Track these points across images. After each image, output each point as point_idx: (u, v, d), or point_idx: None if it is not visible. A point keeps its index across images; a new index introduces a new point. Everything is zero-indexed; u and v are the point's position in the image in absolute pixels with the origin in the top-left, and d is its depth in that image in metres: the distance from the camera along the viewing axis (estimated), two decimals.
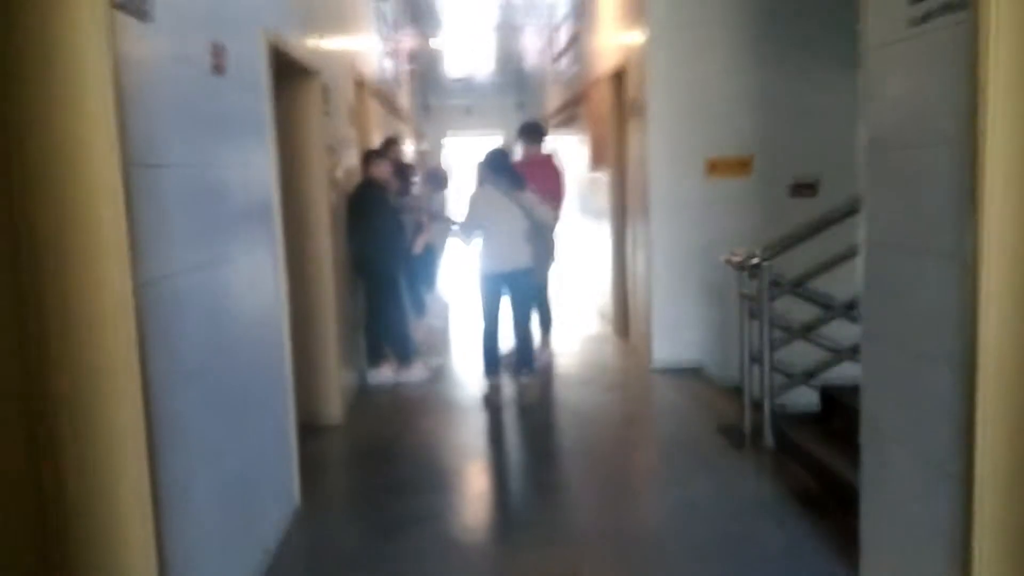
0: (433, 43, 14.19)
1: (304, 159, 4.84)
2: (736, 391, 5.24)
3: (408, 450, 4.73)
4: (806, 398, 4.69)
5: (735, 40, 6.05)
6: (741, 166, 6.14)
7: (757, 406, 4.52)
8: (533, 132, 6.69)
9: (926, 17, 2.38)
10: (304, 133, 4.82)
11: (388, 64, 9.80)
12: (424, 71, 15.82)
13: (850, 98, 6.08)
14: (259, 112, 3.57)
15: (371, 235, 5.82)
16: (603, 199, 8.11)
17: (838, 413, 4.38)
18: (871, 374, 2.85)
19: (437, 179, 8.08)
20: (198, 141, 2.78)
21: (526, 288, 5.60)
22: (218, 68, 2.98)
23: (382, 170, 6.06)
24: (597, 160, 8.56)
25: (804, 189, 6.13)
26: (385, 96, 9.02)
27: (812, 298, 4.50)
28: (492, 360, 5.62)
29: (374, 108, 7.88)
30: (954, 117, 2.29)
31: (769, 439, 4.43)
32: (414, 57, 13.45)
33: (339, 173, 5.50)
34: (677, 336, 6.23)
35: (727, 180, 6.13)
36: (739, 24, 6.04)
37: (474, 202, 5.54)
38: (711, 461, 4.34)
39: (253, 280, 3.33)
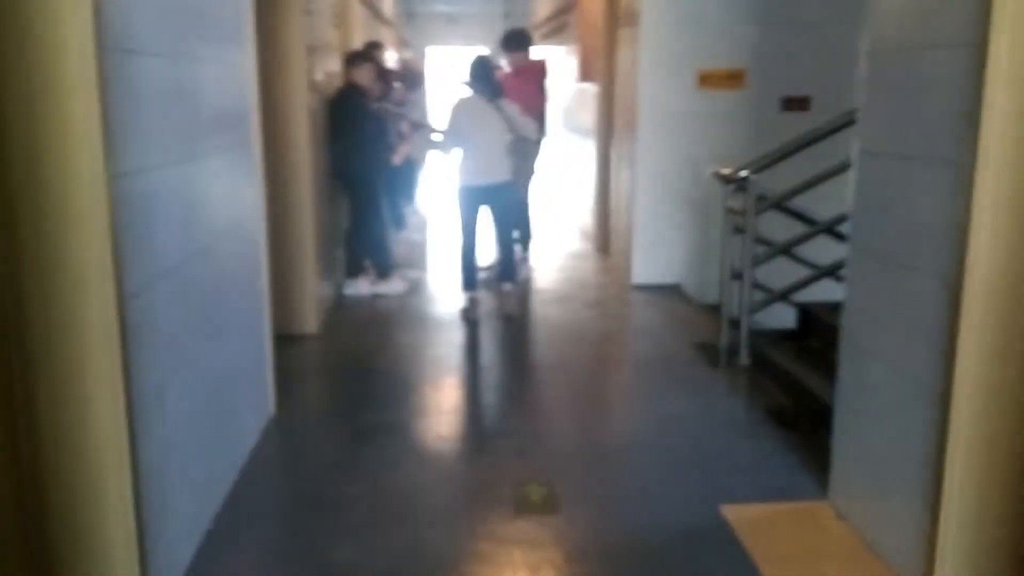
0: None
1: (284, 60, 4.68)
2: (714, 310, 5.26)
3: (384, 362, 4.72)
4: (784, 317, 4.70)
5: None
6: (733, 79, 6.01)
7: (734, 324, 4.53)
8: (516, 40, 6.51)
9: None
10: (284, 32, 4.65)
11: None
12: None
13: (848, 12, 6.01)
14: (239, 7, 3.40)
15: (352, 143, 5.69)
16: (590, 113, 7.96)
17: (815, 331, 4.41)
18: (855, 288, 2.83)
19: (412, 78, 7.84)
20: (174, 30, 2.65)
21: (507, 202, 5.52)
22: None
23: (364, 74, 5.89)
24: (585, 72, 8.37)
25: (796, 103, 6.03)
26: (370, 2, 8.72)
27: (797, 214, 4.46)
28: (470, 274, 5.58)
29: (358, 10, 7.62)
30: (964, 18, 2.21)
31: (745, 357, 4.45)
32: None
33: (320, 76, 5.33)
34: (658, 254, 6.21)
35: (718, 93, 6.02)
36: None
37: (456, 111, 5.41)
38: (686, 378, 4.37)
39: (229, 182, 3.24)
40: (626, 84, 6.44)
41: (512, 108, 5.43)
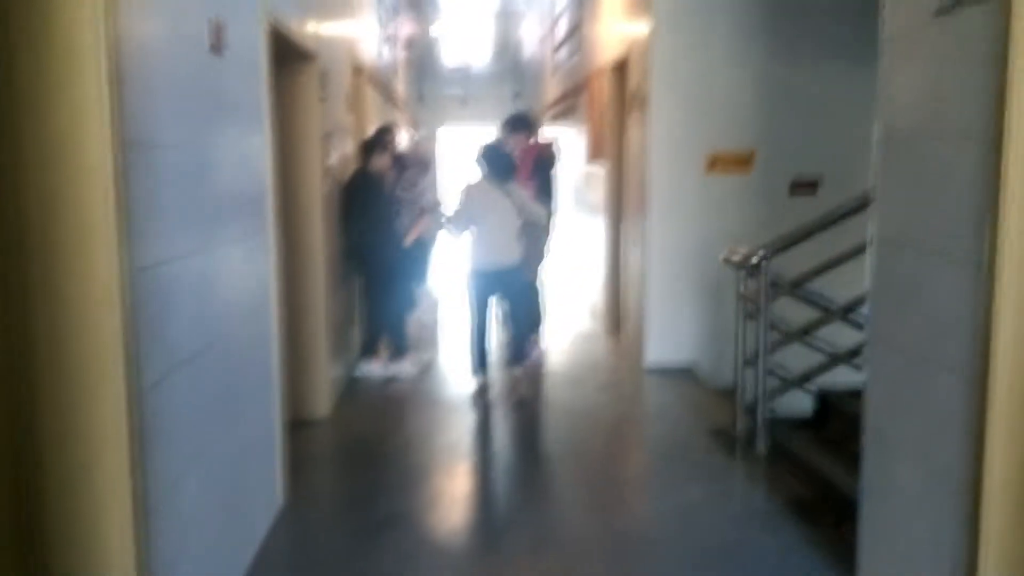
0: (431, 30, 14.07)
1: (300, 146, 4.75)
2: (728, 394, 5.20)
3: (395, 448, 4.66)
4: (800, 403, 4.64)
5: (741, 31, 5.97)
6: (742, 162, 6.07)
7: (750, 410, 4.47)
8: (518, 122, 6.61)
9: (955, 5, 2.30)
10: (301, 119, 4.73)
11: (385, 51, 9.69)
12: (421, 59, 15.71)
13: (858, 94, 6.11)
14: (256, 95, 3.47)
15: (367, 225, 5.75)
16: (599, 193, 8.04)
17: (834, 419, 4.34)
18: (875, 379, 2.79)
19: (423, 162, 7.86)
20: (194, 122, 2.69)
21: (517, 286, 5.54)
22: (216, 48, 2.89)
23: (380, 161, 6.01)
24: (595, 153, 8.48)
25: (804, 187, 6.08)
26: (382, 84, 8.92)
27: (811, 300, 4.44)
28: (481, 357, 5.56)
29: (371, 95, 7.78)
30: (978, 110, 2.22)
31: (762, 444, 4.37)
32: (411, 44, 13.33)
33: (334, 160, 5.41)
34: (670, 336, 6.17)
35: (727, 176, 6.07)
36: (745, 14, 5.96)
37: (466, 195, 5.47)
38: (703, 466, 4.29)
39: (245, 269, 3.25)
40: (636, 166, 6.52)
41: (522, 192, 5.49)
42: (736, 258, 4.47)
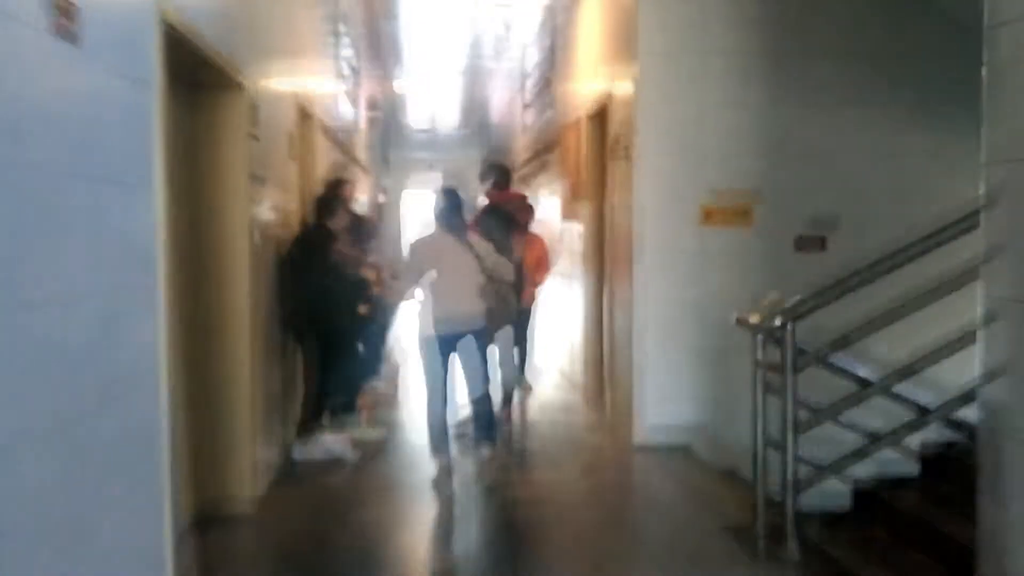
0: (396, 88, 13.49)
1: (220, 189, 3.94)
2: (735, 479, 4.40)
3: (334, 554, 3.73)
4: (831, 495, 3.81)
5: (736, 72, 5.33)
6: (741, 215, 5.36)
7: (773, 503, 3.63)
8: (493, 172, 5.95)
9: None
10: (221, 156, 3.93)
11: (346, 107, 9.01)
12: (386, 120, 15.08)
13: (865, 138, 5.47)
14: (140, 110, 2.67)
15: (320, 288, 4.92)
16: (575, 253, 7.29)
17: (880, 515, 3.52)
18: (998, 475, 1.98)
19: (359, 229, 6.66)
20: (17, 131, 1.88)
21: (480, 351, 4.71)
22: (63, 30, 2.10)
23: (340, 221, 5.23)
24: (569, 211, 7.77)
25: (811, 243, 5.36)
26: (340, 140, 8.18)
27: (844, 371, 3.65)
28: (440, 437, 4.68)
29: (324, 147, 7.02)
30: None
31: (793, 546, 3.51)
32: (375, 104, 12.69)
33: (268, 212, 4.60)
34: (664, 409, 5.34)
35: (724, 230, 5.34)
36: (741, 55, 5.33)
37: (417, 248, 4.68)
38: (721, 574, 3.42)
39: (109, 336, 2.39)
40: (620, 221, 5.78)
41: (484, 246, 4.71)
42: (753, 320, 3.68)
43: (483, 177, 5.95)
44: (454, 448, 4.86)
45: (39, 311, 1.97)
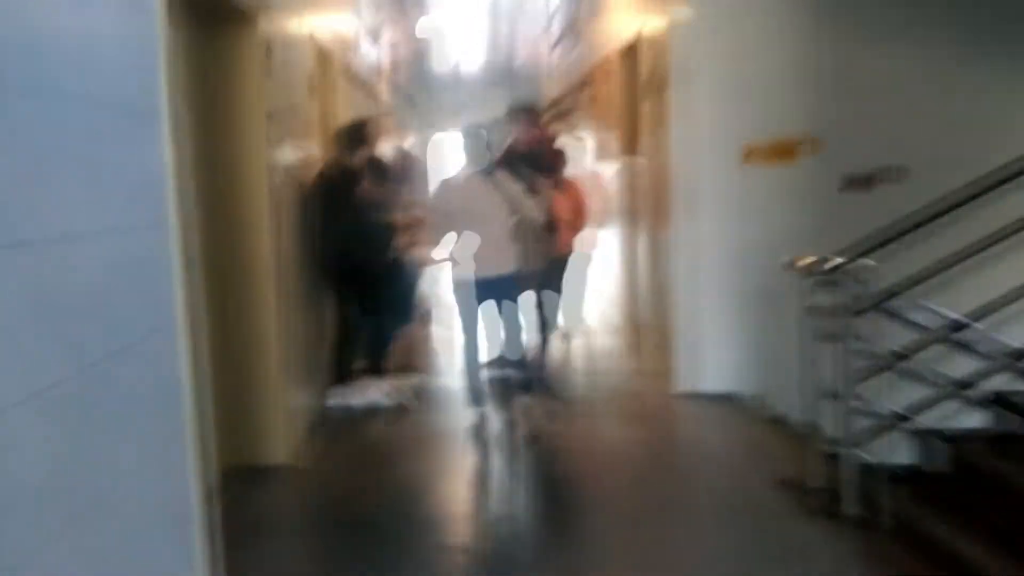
0: (421, 29, 13.11)
1: (235, 126, 3.72)
2: (783, 426, 4.21)
3: (374, 507, 3.58)
4: (892, 449, 3.57)
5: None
6: (784, 153, 5.04)
7: (830, 456, 3.41)
8: (520, 111, 5.66)
9: None
10: (235, 92, 3.70)
11: (368, 49, 8.69)
12: (410, 63, 14.72)
13: (923, 70, 5.09)
14: (142, 34, 2.43)
15: (348, 231, 4.71)
16: (610, 194, 7.00)
17: (951, 471, 3.29)
18: None
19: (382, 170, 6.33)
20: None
21: (515, 297, 4.52)
22: None
23: (360, 158, 4.97)
24: (603, 151, 7.47)
25: (860, 183, 5.03)
26: (362, 82, 7.90)
27: (907, 316, 3.39)
28: (477, 385, 4.53)
29: (345, 88, 6.75)
30: None
31: (852, 503, 3.29)
32: (399, 45, 12.33)
33: (288, 152, 4.37)
34: (706, 356, 5.10)
35: (767, 170, 5.03)
36: None
37: (443, 190, 4.46)
38: (777, 535, 3.23)
39: (119, 280, 2.19)
40: (656, 162, 5.49)
41: (514, 186, 4.47)
42: (805, 262, 3.42)
43: (509, 118, 5.66)
44: (492, 396, 4.67)
45: (35, 252, 1.78)
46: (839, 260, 3.24)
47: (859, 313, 3.28)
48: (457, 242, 4.42)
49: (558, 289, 6.46)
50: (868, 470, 3.27)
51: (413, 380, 5.51)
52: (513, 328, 4.51)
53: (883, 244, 3.32)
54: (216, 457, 3.42)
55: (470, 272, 4.39)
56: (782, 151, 5.05)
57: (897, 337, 3.44)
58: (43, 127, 1.86)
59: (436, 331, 7.22)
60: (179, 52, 3.32)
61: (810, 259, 3.40)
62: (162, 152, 2.53)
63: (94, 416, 2.03)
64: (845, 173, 5.01)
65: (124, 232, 2.25)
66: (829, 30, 4.95)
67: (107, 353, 2.11)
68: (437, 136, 18.29)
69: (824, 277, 3.34)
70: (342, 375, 4.97)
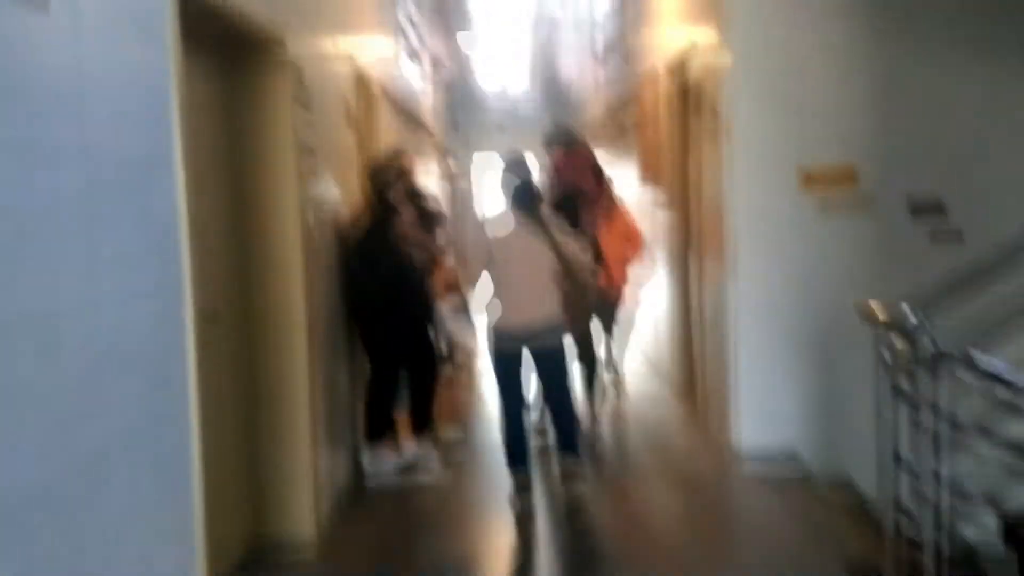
0: (464, 49, 12.93)
1: (265, 163, 3.50)
2: (846, 490, 3.90)
3: None
4: (975, 530, 3.20)
5: (839, 12, 4.61)
6: (845, 179, 4.68)
7: (906, 536, 3.06)
8: (558, 137, 5.38)
9: None
10: (265, 126, 3.48)
11: (410, 67, 8.51)
12: (454, 81, 14.55)
13: (998, 90, 4.72)
14: (154, 74, 2.21)
15: (390, 276, 4.47)
16: (656, 224, 6.68)
17: None
18: None
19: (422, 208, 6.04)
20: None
21: (555, 350, 4.18)
22: None
23: (397, 194, 4.69)
24: (649, 175, 7.15)
25: (929, 210, 4.66)
26: (403, 105, 7.70)
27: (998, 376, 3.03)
28: (519, 449, 4.19)
29: (385, 113, 6.55)
30: None
31: None
32: (441, 64, 12.15)
33: (324, 187, 4.15)
34: (765, 409, 4.68)
35: (826, 197, 4.68)
36: None
37: (486, 235, 4.17)
38: None
39: (118, 358, 1.96)
40: (707, 188, 5.17)
41: (561, 228, 4.16)
42: (880, 314, 3.09)
43: (548, 143, 5.37)
44: (533, 459, 4.35)
45: (10, 334, 1.55)
46: (921, 316, 2.89)
47: (941, 374, 2.93)
48: (496, 289, 4.12)
49: (609, 332, 6.15)
50: (958, 558, 2.91)
51: (455, 433, 5.22)
52: (555, 384, 4.20)
53: (967, 286, 2.98)
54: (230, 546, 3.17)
55: (508, 323, 4.08)
56: (842, 177, 4.70)
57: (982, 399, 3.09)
58: (26, 187, 1.64)
59: (479, 380, 6.90)
60: (200, 84, 3.12)
61: (886, 308, 3.06)
62: (174, 204, 2.31)
63: (87, 522, 1.79)
64: (912, 197, 4.66)
65: (123, 303, 2.01)
66: (892, 46, 4.62)
67: (97, 452, 1.87)
68: (480, 156, 18.08)
69: (905, 332, 3.01)
70: (378, 431, 4.65)
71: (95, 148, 1.88)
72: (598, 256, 4.63)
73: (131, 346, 2.02)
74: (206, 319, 2.80)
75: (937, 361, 2.91)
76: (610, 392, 6.22)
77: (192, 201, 2.50)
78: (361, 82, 5.46)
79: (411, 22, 8.80)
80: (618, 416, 5.84)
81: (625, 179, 7.88)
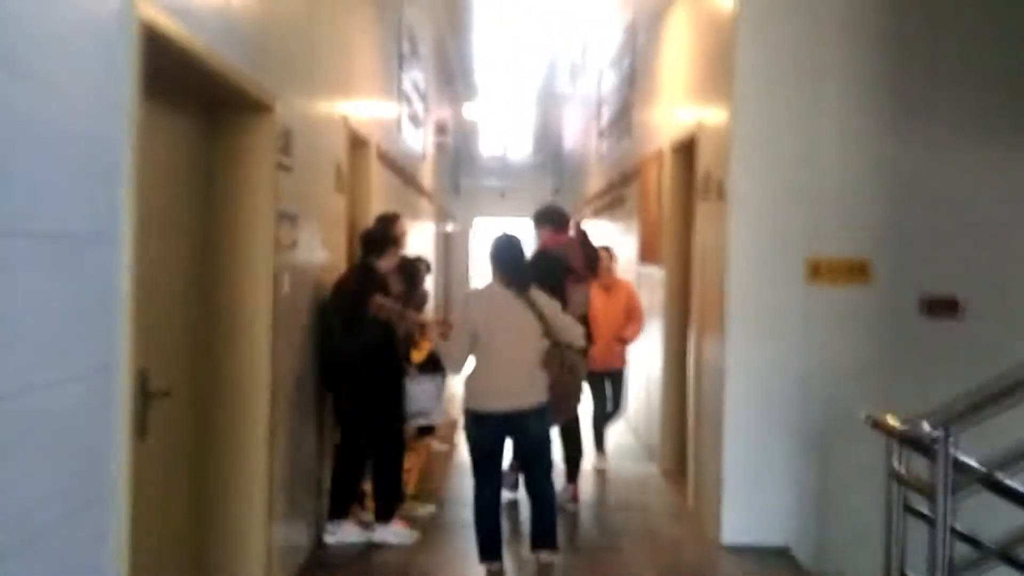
0: (467, 113, 12.92)
1: (238, 229, 3.30)
2: None
3: None
4: None
5: (849, 100, 4.50)
6: (855, 271, 4.50)
7: None
8: (548, 215, 5.21)
9: None
10: (241, 190, 3.29)
11: (410, 133, 8.42)
12: (456, 147, 14.53)
13: (1007, 180, 4.56)
14: (105, 139, 2.01)
15: (364, 340, 4.25)
16: (654, 301, 6.48)
17: None
18: None
19: (410, 273, 5.54)
20: None
21: (539, 435, 3.91)
22: None
23: (388, 262, 4.53)
24: (648, 252, 6.98)
25: (942, 306, 4.47)
26: (401, 169, 7.56)
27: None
28: (491, 537, 3.89)
29: (381, 177, 6.40)
30: None
31: None
32: (444, 129, 12.12)
33: (304, 254, 3.95)
34: (757, 500, 4.47)
35: (834, 289, 4.49)
36: (856, 80, 4.49)
37: (469, 305, 3.94)
38: None
39: (39, 445, 1.72)
40: (709, 271, 4.98)
41: (550, 304, 3.94)
42: (894, 424, 2.85)
43: (537, 222, 5.20)
44: (508, 548, 4.06)
45: None
46: (941, 432, 2.65)
47: (958, 491, 2.68)
48: (478, 364, 3.88)
49: (601, 409, 6.06)
50: None
51: (426, 508, 4.94)
52: (537, 473, 3.93)
53: (994, 402, 2.74)
54: None
55: (489, 405, 3.82)
56: (854, 270, 4.51)
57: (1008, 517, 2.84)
58: None
59: (455, 451, 6.62)
60: (180, 145, 2.95)
61: (898, 421, 2.83)
62: (116, 282, 2.08)
63: None
64: (925, 295, 4.47)
65: (48, 387, 1.78)
66: (907, 135, 4.48)
67: (13, 543, 1.62)
68: (481, 219, 18.03)
69: (919, 444, 2.77)
70: (341, 504, 4.41)
71: (18, 220, 1.67)
72: (588, 335, 4.39)
73: (49, 434, 1.78)
74: (157, 396, 2.58)
75: (958, 480, 2.66)
76: (595, 470, 6.00)
77: (147, 275, 2.30)
78: (356, 145, 5.32)
79: (416, 89, 8.74)
80: (600, 499, 5.54)
81: (625, 251, 7.71)
